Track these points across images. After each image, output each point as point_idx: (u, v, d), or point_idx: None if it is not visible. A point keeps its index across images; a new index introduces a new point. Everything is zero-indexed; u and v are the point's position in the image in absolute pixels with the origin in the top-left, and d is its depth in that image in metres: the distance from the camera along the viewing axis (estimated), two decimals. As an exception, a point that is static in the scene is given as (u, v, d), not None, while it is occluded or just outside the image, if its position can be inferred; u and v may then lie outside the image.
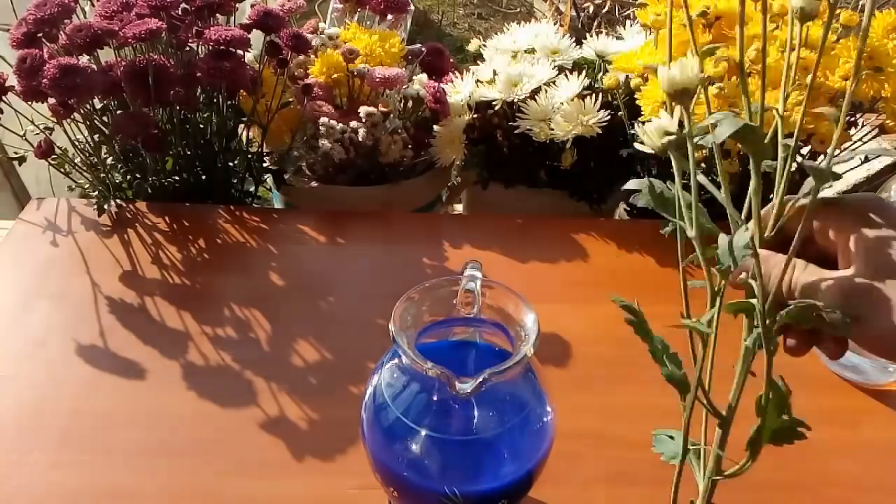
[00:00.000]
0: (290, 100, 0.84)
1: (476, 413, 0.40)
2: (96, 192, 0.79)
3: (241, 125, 0.85)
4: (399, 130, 0.84)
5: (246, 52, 0.76)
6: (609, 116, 0.77)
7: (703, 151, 0.75)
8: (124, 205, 0.80)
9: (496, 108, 0.82)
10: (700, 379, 0.33)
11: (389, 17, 0.93)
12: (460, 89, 0.86)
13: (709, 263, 0.31)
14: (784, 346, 0.34)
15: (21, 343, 0.63)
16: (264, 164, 0.85)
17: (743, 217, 0.32)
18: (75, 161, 0.78)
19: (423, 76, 0.90)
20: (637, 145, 0.31)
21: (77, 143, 0.76)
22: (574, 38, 0.89)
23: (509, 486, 0.41)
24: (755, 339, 0.32)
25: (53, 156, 0.74)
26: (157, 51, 0.74)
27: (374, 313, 0.67)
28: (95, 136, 0.77)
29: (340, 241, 0.77)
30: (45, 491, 0.51)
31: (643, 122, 0.76)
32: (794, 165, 0.32)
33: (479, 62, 0.89)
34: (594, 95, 0.77)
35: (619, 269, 0.73)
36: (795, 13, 0.29)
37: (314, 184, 0.84)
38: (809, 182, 0.30)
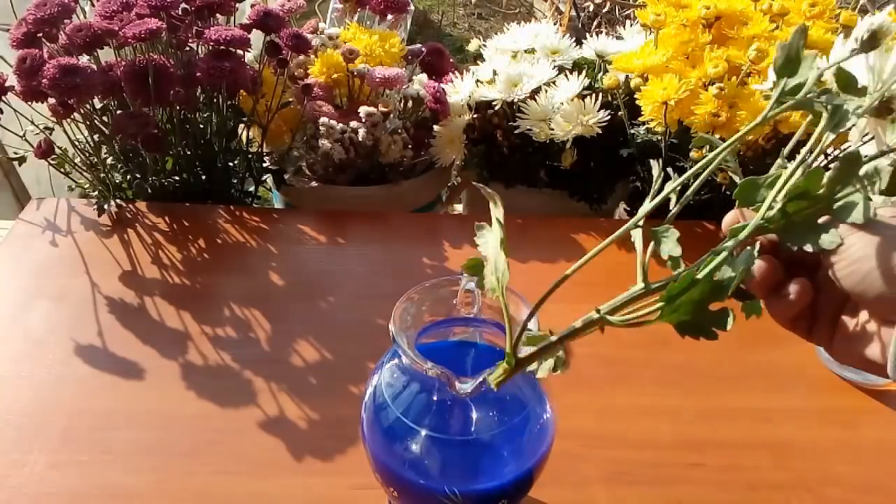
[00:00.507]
0: (290, 100, 0.84)
1: (476, 413, 0.40)
2: (96, 192, 0.79)
3: (241, 125, 0.85)
4: (399, 130, 0.84)
5: (246, 52, 0.76)
6: (609, 116, 0.77)
7: (703, 152, 0.75)
8: (124, 205, 0.80)
9: (496, 108, 0.82)
10: None
11: (389, 17, 0.93)
12: (460, 89, 0.86)
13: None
14: (757, 273, 0.33)
15: (21, 343, 0.63)
16: (264, 164, 0.85)
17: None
18: (75, 161, 0.78)
19: (423, 76, 0.90)
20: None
21: (77, 143, 0.76)
22: (574, 38, 0.89)
23: (509, 486, 0.41)
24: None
25: (53, 156, 0.74)
26: (157, 51, 0.74)
27: (374, 313, 0.67)
28: (95, 136, 0.77)
29: (340, 241, 0.77)
30: (45, 491, 0.51)
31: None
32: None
33: (479, 62, 0.89)
34: (594, 95, 0.77)
35: (619, 268, 0.73)
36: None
37: (314, 184, 0.85)
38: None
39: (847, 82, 0.31)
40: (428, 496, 0.40)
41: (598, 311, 0.33)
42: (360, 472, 0.47)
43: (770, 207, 0.31)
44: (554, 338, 0.34)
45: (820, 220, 0.32)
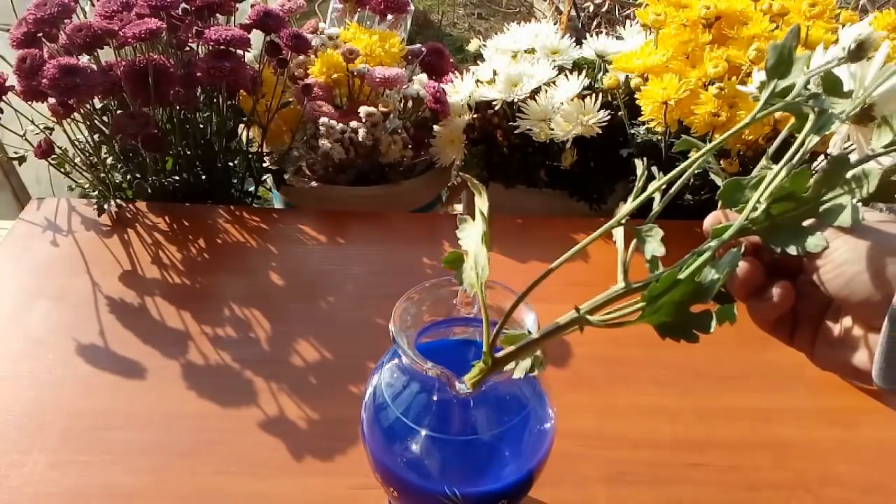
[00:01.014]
0: (290, 100, 0.84)
1: (476, 413, 0.40)
2: (96, 192, 0.79)
3: (241, 125, 0.85)
4: (399, 130, 0.84)
5: (246, 52, 0.76)
6: (609, 116, 0.77)
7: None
8: (124, 205, 0.80)
9: (496, 108, 0.82)
10: None
11: (389, 17, 0.93)
12: (460, 89, 0.86)
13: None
14: (739, 276, 0.33)
15: (21, 343, 0.63)
16: (264, 164, 0.85)
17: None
18: (75, 161, 0.78)
19: (423, 76, 0.90)
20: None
21: (77, 143, 0.76)
22: (574, 38, 0.89)
23: (509, 486, 0.41)
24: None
25: (53, 156, 0.74)
26: (157, 51, 0.74)
27: (374, 313, 0.67)
28: (95, 136, 0.77)
29: (340, 241, 0.77)
30: (45, 491, 0.51)
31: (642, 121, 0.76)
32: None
33: (479, 62, 0.89)
34: (594, 95, 0.77)
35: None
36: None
37: (314, 184, 0.85)
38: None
39: (833, 86, 0.31)
40: (428, 496, 0.40)
41: (577, 309, 0.33)
42: (360, 472, 0.47)
43: (754, 208, 0.31)
44: (533, 336, 0.33)
45: (805, 223, 0.31)
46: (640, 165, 0.35)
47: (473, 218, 0.37)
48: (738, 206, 0.32)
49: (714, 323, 0.30)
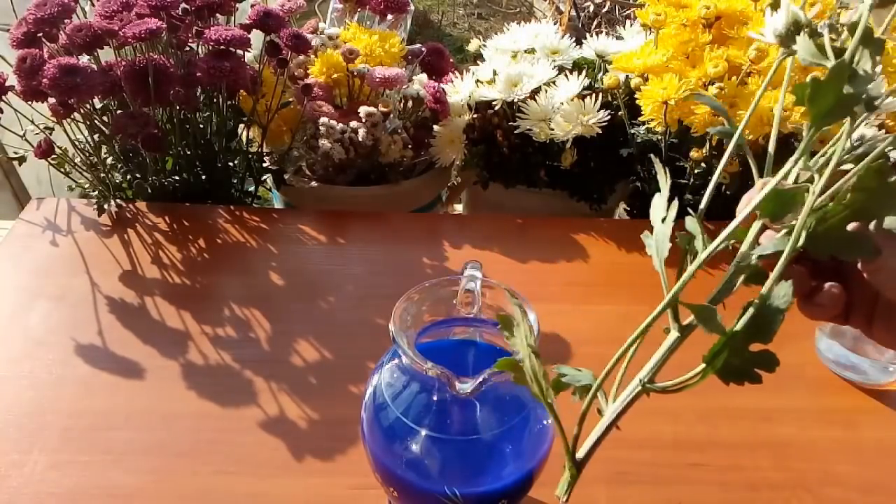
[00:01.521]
0: (290, 100, 0.84)
1: (476, 413, 0.40)
2: (96, 192, 0.79)
3: (241, 125, 0.85)
4: (399, 130, 0.84)
5: (246, 52, 0.76)
6: (609, 116, 0.77)
7: (703, 151, 0.75)
8: (124, 205, 0.80)
9: (496, 108, 0.82)
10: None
11: (389, 17, 0.93)
12: (460, 89, 0.86)
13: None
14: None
15: (21, 343, 0.63)
16: (264, 164, 0.85)
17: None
18: (75, 161, 0.78)
19: (423, 76, 0.90)
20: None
21: (77, 143, 0.76)
22: (574, 38, 0.89)
23: (509, 486, 0.41)
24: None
25: (53, 156, 0.74)
26: (157, 51, 0.74)
27: (374, 313, 0.67)
28: (95, 136, 0.77)
29: (340, 241, 0.77)
30: (45, 491, 0.51)
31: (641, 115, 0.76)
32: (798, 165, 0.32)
33: (479, 62, 0.89)
34: (594, 95, 0.77)
35: (618, 269, 0.73)
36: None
37: (314, 184, 0.85)
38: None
39: (868, 38, 0.29)
40: (428, 496, 0.40)
41: (641, 381, 0.32)
42: (360, 472, 0.47)
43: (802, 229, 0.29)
44: (607, 421, 0.33)
45: (849, 228, 0.30)
46: (659, 165, 0.33)
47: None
48: (781, 220, 0.30)
49: (776, 364, 0.30)
